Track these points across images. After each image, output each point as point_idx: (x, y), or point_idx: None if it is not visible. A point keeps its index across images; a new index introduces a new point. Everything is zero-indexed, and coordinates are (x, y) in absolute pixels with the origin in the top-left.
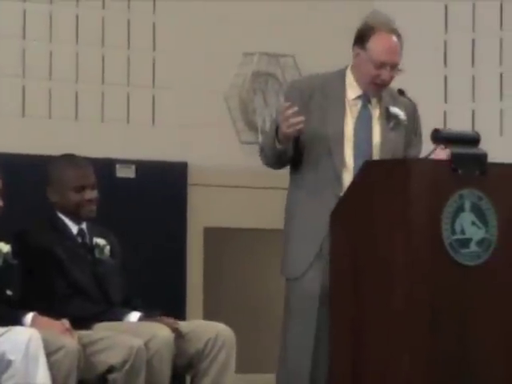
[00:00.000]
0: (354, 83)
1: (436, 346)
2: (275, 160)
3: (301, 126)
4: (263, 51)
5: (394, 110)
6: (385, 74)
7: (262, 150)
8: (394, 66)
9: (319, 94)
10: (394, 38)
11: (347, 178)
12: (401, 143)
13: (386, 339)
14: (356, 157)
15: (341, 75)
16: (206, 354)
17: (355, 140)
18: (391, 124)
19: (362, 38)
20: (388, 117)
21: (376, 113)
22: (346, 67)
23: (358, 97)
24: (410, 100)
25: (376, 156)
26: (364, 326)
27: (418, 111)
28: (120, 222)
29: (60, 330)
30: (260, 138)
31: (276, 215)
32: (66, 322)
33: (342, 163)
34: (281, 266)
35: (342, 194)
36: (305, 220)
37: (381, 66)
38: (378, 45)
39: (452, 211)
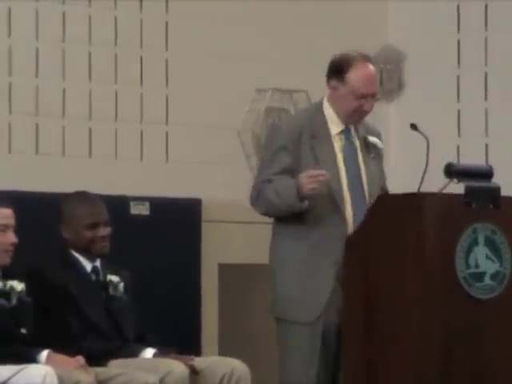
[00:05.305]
0: (335, 117)
1: (450, 378)
2: (286, 214)
3: (327, 178)
4: (276, 87)
5: (373, 139)
6: (366, 104)
7: (270, 205)
8: (373, 96)
9: (306, 134)
10: (371, 67)
11: (349, 215)
12: (379, 171)
13: (400, 371)
14: (352, 192)
15: (319, 111)
16: None
17: (348, 176)
18: (372, 154)
19: (338, 70)
20: (367, 147)
21: (357, 144)
22: (322, 100)
23: (342, 131)
24: (423, 135)
25: (365, 189)
26: (377, 357)
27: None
28: (134, 259)
29: (75, 367)
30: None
31: None
32: (81, 359)
33: (343, 203)
34: (278, 309)
35: (348, 233)
36: (312, 269)
37: (362, 97)
38: (357, 77)
39: (466, 245)
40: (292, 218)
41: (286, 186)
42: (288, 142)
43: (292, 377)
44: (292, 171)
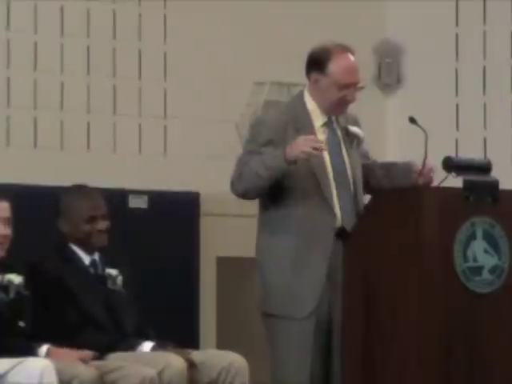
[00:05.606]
0: (317, 110)
1: (450, 373)
2: (267, 185)
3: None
4: (274, 80)
5: (353, 129)
6: (350, 94)
7: (254, 174)
8: (356, 85)
9: (290, 127)
10: (351, 57)
11: (336, 207)
12: (359, 159)
13: (400, 367)
14: (338, 183)
15: (301, 103)
16: None
17: (333, 168)
18: (354, 144)
19: (319, 63)
20: (348, 137)
21: (340, 135)
22: (302, 93)
23: (324, 123)
24: (422, 128)
25: (350, 180)
26: (376, 351)
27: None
28: (133, 252)
29: (78, 359)
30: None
31: None
32: (88, 352)
33: (330, 194)
34: (268, 303)
35: (336, 225)
36: (303, 263)
37: (345, 87)
38: (338, 68)
39: (464, 239)
40: (278, 209)
41: (272, 154)
42: (274, 137)
43: (285, 375)
44: None
